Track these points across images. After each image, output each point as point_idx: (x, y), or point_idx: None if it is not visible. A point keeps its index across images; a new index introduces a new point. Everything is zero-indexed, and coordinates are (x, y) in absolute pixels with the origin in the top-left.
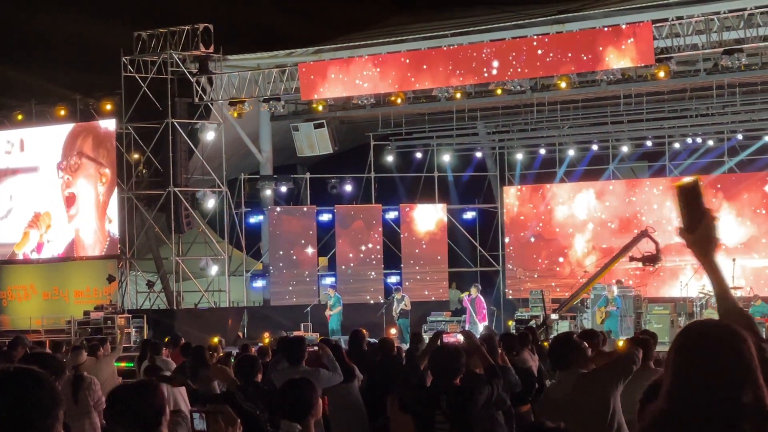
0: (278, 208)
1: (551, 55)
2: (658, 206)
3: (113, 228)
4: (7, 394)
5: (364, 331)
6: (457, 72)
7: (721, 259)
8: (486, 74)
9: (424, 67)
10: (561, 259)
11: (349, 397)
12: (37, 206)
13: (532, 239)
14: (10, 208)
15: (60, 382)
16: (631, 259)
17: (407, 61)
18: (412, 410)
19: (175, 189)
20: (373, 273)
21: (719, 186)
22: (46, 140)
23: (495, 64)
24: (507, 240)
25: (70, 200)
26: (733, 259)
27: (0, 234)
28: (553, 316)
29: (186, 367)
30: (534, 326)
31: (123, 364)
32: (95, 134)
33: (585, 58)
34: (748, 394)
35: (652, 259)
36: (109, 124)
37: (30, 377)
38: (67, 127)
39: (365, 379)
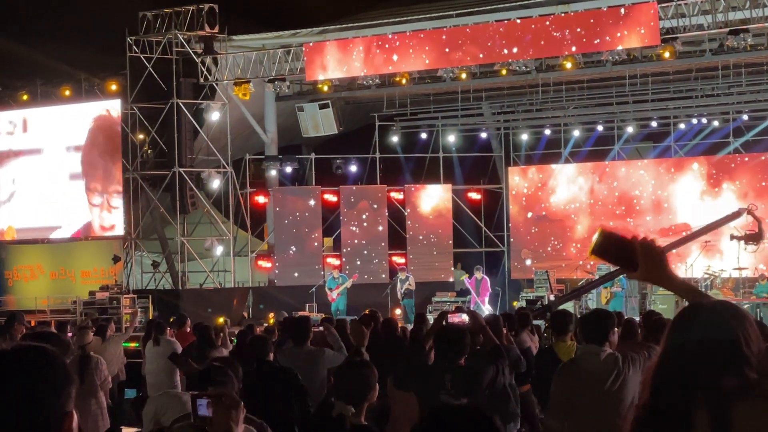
0: (283, 189)
1: (556, 35)
2: (663, 187)
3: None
4: (19, 372)
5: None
6: (460, 53)
7: (726, 240)
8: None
9: (427, 48)
10: (566, 240)
11: None
12: (42, 189)
13: (538, 219)
14: (12, 192)
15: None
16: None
17: (413, 41)
18: (415, 390)
19: (180, 169)
20: (377, 253)
21: (724, 167)
22: (50, 121)
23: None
24: (512, 220)
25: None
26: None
27: (4, 217)
28: (551, 297)
29: (193, 348)
30: (538, 307)
31: (133, 345)
32: (111, 134)
33: (590, 38)
34: (738, 367)
35: (755, 237)
36: (114, 105)
37: (42, 355)
38: (75, 110)
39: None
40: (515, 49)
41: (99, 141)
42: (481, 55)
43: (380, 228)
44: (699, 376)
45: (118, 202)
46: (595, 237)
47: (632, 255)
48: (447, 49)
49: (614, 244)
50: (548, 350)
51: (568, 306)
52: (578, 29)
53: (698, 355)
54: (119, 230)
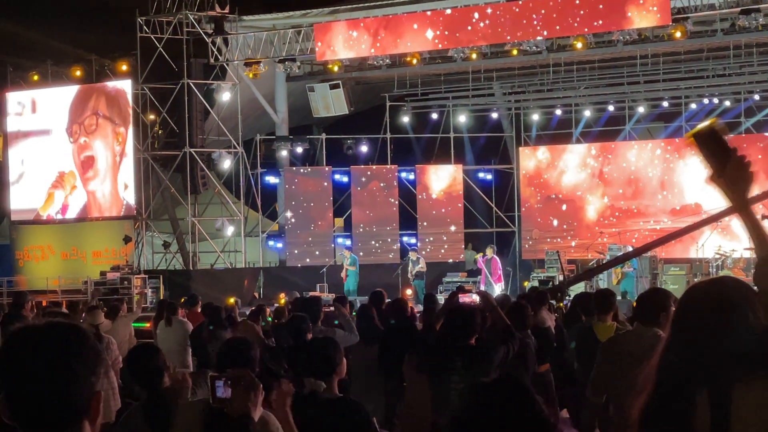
0: (294, 169)
1: (568, 15)
2: (675, 167)
3: (128, 195)
4: (54, 349)
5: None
6: (470, 33)
7: (737, 220)
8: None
9: (438, 28)
10: (577, 219)
11: (368, 358)
12: (50, 169)
13: (550, 199)
14: (21, 173)
15: None
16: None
17: (424, 20)
18: (427, 370)
19: (191, 150)
20: (388, 234)
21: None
22: (58, 101)
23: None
24: (523, 201)
25: (87, 163)
26: None
27: (13, 198)
28: (560, 278)
29: (204, 328)
30: (551, 286)
31: (148, 325)
32: (106, 93)
33: (601, 18)
34: (739, 341)
35: None
36: (124, 85)
37: (76, 332)
38: (76, 89)
39: (380, 339)
40: (526, 30)
41: (84, 88)
42: (492, 35)
43: (391, 208)
44: (702, 357)
45: (86, 137)
46: (702, 125)
47: (725, 159)
48: (458, 30)
49: (716, 140)
50: (588, 330)
51: (580, 287)
52: (588, 9)
53: (700, 337)
54: (100, 155)
